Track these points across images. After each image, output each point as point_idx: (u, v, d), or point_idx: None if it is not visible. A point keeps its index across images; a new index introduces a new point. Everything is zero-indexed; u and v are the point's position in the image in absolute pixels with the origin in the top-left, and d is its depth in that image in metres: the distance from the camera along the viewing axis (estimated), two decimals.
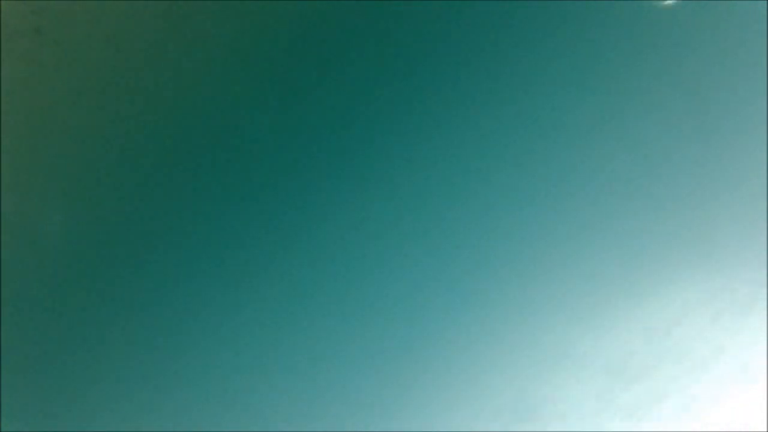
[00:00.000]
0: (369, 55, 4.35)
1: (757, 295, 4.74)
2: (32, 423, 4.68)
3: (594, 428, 4.92)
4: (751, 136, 4.62)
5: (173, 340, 4.77)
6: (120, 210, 4.30)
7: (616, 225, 4.79)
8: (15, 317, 4.29)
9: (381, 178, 4.62)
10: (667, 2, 4.22)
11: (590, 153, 4.67)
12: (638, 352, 4.81)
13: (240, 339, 4.95)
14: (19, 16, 3.66)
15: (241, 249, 4.66)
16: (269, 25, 4.35)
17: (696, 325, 4.81)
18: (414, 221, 4.61)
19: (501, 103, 4.50)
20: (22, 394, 4.56)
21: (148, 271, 4.57)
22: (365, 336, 5.01)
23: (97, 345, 4.68)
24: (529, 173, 4.58)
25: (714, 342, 4.84)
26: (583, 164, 4.68)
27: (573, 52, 4.34)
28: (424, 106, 4.44)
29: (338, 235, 4.69)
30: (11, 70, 3.95)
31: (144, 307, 4.66)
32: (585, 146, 4.67)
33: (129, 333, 4.68)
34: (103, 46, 4.09)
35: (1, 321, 4.09)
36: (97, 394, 4.82)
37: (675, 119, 4.58)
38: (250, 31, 4.16)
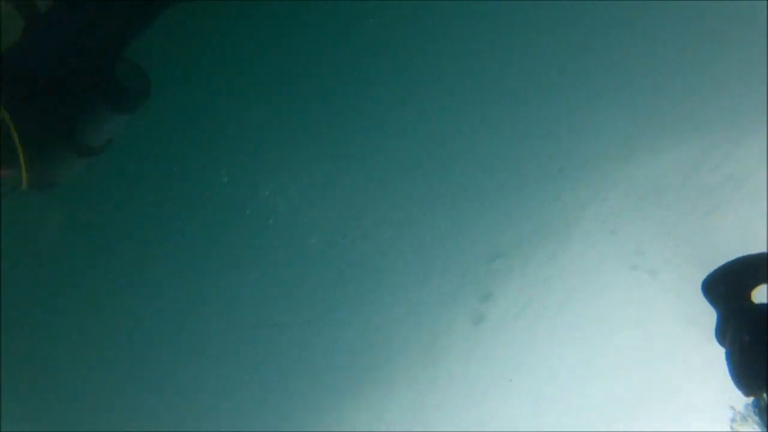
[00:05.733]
0: None
1: None
2: (32, 423, 4.70)
3: None
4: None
5: (172, 340, 4.78)
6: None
7: None
8: (15, 317, 4.31)
9: None
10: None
11: None
12: None
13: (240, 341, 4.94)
14: None
15: None
16: None
17: None
18: None
19: None
20: (22, 394, 4.58)
21: (146, 274, 4.57)
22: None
23: (96, 346, 4.69)
24: None
25: None
26: None
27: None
28: None
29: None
30: None
31: (142, 308, 4.67)
32: None
33: (128, 334, 4.69)
34: None
35: (1, 321, 4.11)
36: (97, 395, 4.83)
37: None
38: None
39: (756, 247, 2.96)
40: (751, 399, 2.63)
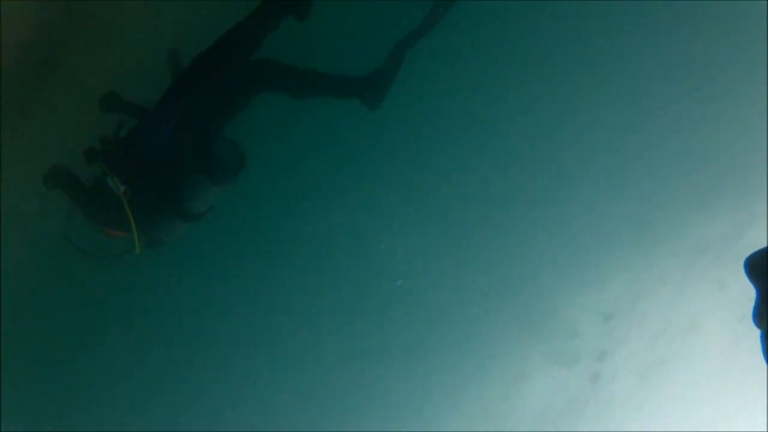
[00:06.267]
0: None
1: None
2: (32, 423, 4.67)
3: None
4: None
5: (173, 341, 4.76)
6: None
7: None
8: (15, 317, 4.28)
9: None
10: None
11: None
12: None
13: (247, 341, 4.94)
14: None
15: None
16: None
17: None
18: None
19: None
20: (22, 394, 4.56)
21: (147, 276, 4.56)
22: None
23: (97, 346, 4.67)
24: None
25: None
26: None
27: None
28: None
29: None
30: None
31: (144, 309, 4.65)
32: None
33: (128, 334, 4.67)
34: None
35: (1, 321, 4.09)
36: (98, 395, 4.81)
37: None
38: None
39: None
40: None
